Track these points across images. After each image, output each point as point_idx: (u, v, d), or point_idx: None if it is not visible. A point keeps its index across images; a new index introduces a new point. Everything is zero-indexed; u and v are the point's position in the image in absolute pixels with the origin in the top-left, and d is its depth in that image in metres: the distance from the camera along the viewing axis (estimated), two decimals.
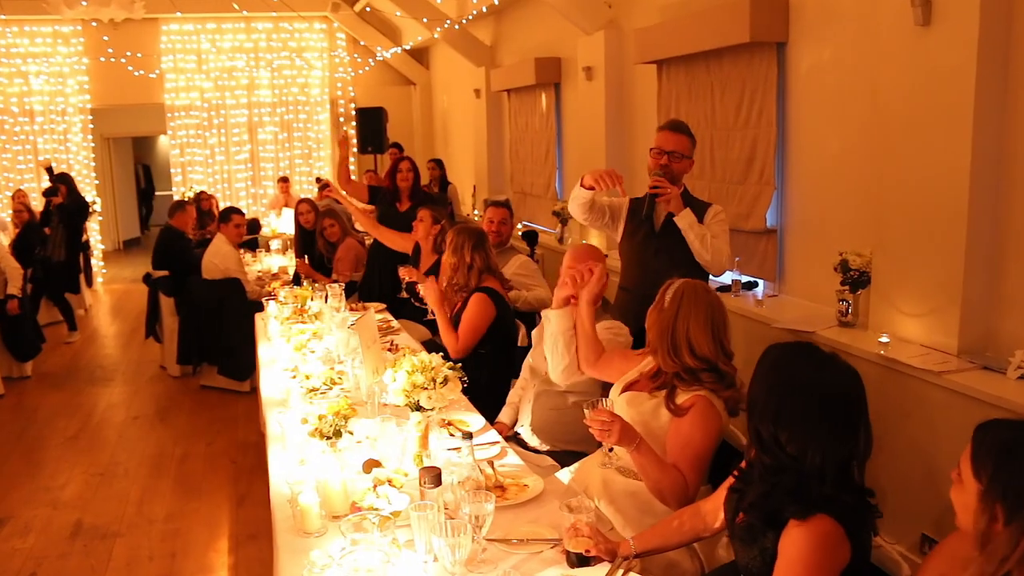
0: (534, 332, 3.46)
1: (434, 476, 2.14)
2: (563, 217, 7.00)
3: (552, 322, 3.08)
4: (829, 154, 4.16)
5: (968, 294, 3.23)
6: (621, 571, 2.03)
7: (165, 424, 5.73)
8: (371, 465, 2.36)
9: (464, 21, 8.67)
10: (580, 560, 2.06)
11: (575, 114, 7.15)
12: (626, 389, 2.71)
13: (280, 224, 8.56)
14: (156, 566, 3.83)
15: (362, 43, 11.97)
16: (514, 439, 3.30)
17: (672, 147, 3.65)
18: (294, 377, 3.37)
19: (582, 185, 3.61)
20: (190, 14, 9.99)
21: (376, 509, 2.03)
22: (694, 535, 2.21)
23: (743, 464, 2.08)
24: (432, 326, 5.04)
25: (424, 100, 12.61)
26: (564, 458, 3.12)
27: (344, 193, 5.88)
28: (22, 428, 5.72)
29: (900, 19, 3.35)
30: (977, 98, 3.09)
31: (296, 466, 2.79)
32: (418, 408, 2.69)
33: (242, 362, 6.24)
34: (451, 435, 3.01)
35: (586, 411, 2.45)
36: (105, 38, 10.28)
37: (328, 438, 2.66)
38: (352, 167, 12.41)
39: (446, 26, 8.81)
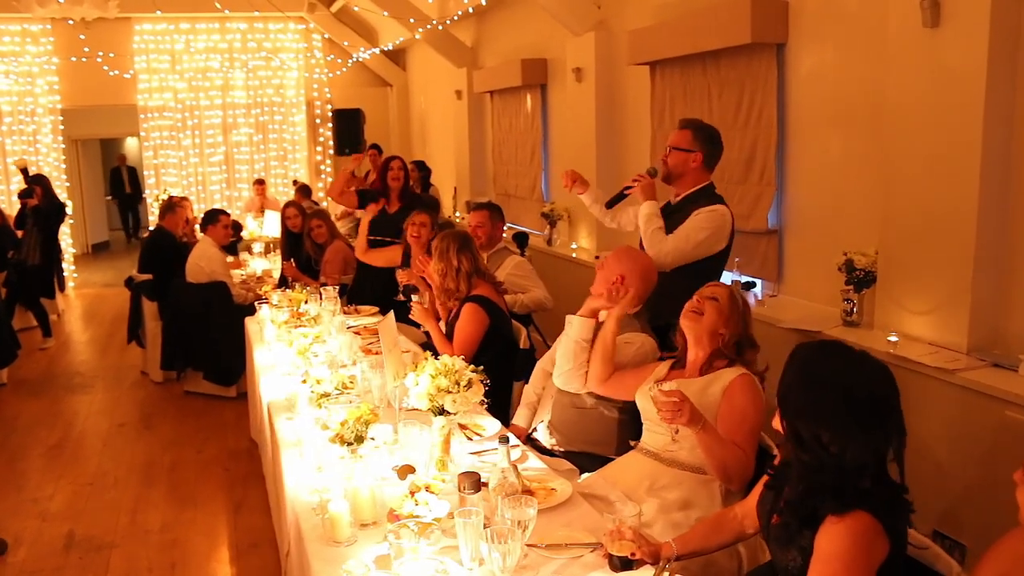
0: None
1: (474, 482, 2.10)
2: (552, 219, 6.98)
3: (573, 327, 3.04)
4: (830, 155, 4.19)
5: (977, 293, 3.26)
6: (667, 574, 2.00)
7: (151, 431, 5.60)
8: (406, 471, 2.31)
9: (448, 22, 8.62)
10: (624, 564, 2.04)
11: (563, 115, 7.13)
12: (664, 380, 2.76)
13: (263, 227, 8.42)
14: None
15: (345, 44, 11.84)
16: (528, 441, 3.27)
17: (673, 142, 3.61)
18: (304, 382, 3.30)
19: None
20: (165, 13, 9.79)
21: (418, 517, 1.98)
22: (734, 537, 2.20)
23: (776, 462, 2.07)
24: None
25: (401, 101, 12.53)
26: (581, 460, 3.09)
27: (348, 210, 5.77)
28: (3, 437, 5.56)
29: (908, 21, 3.38)
30: (987, 98, 3.12)
31: (314, 473, 2.74)
32: (441, 412, 2.65)
33: (228, 367, 6.13)
34: (468, 439, 2.98)
35: (653, 393, 2.51)
36: (82, 36, 10.06)
37: (349, 444, 2.60)
38: (325, 167, 12.35)
39: (428, 27, 8.75)
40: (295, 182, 11.16)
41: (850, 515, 1.73)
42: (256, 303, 5.06)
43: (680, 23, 5.00)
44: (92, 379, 6.90)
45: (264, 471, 4.64)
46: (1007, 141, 3.17)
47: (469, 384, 2.63)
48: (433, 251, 4.03)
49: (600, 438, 3.14)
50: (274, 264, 7.29)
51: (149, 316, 6.74)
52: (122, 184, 16.02)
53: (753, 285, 4.75)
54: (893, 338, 3.49)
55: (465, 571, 1.94)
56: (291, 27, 11.82)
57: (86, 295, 10.73)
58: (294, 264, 6.30)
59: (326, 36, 12.02)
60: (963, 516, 3.19)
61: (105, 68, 10.65)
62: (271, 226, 8.04)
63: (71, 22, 9.10)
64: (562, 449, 3.21)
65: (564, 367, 3.08)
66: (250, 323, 5.15)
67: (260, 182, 10.74)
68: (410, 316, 4.20)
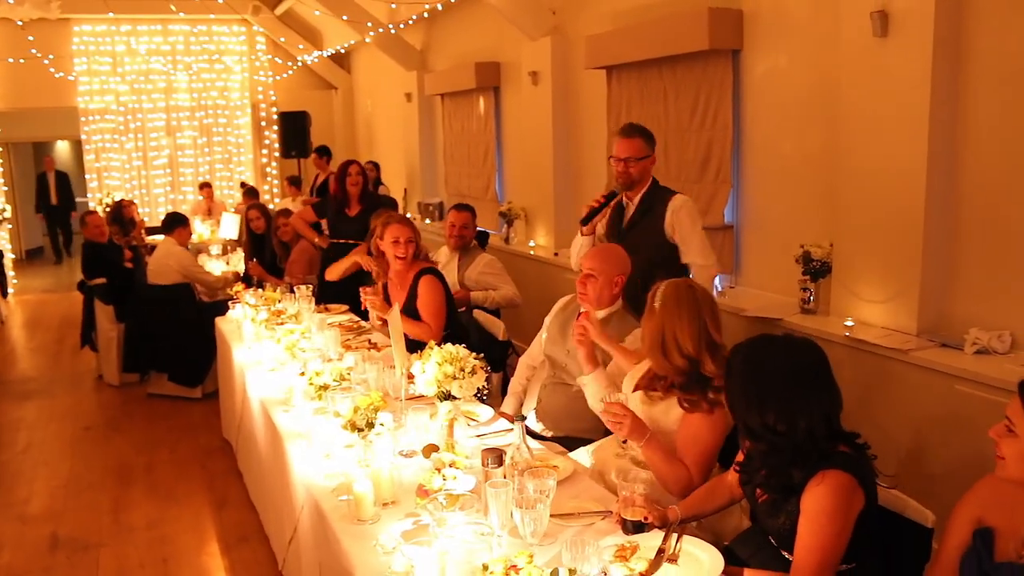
0: (548, 322, 3.59)
1: (497, 457, 2.27)
2: (509, 218, 7.17)
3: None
4: (783, 154, 4.48)
5: (925, 280, 3.58)
6: (676, 535, 2.21)
7: (120, 434, 5.60)
8: (430, 450, 2.46)
9: (403, 26, 8.74)
10: (636, 527, 2.23)
11: (518, 117, 7.33)
12: (637, 387, 2.84)
13: (219, 229, 8.40)
14: (149, 573, 3.79)
15: (299, 46, 11.81)
16: None
17: (627, 153, 3.78)
18: (302, 375, 3.42)
19: (583, 233, 3.87)
20: (117, 15, 9.64)
21: (450, 490, 2.15)
22: (726, 501, 2.42)
23: (739, 457, 2.28)
24: None
25: (346, 104, 12.56)
26: (570, 444, 3.28)
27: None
28: None
29: (859, 30, 3.67)
30: (932, 102, 3.43)
31: (323, 460, 2.87)
32: (447, 397, 2.82)
33: (195, 368, 6.15)
34: (468, 424, 3.14)
35: (601, 403, 2.58)
36: (31, 38, 9.81)
37: (360, 430, 2.74)
38: (272, 170, 12.31)
39: (381, 31, 8.85)
40: (243, 184, 11.11)
41: (826, 475, 1.95)
42: (230, 303, 5.12)
43: (638, 29, 5.25)
44: (48, 385, 6.82)
45: (242, 467, 4.72)
46: (950, 143, 3.48)
47: (473, 371, 2.80)
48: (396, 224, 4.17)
49: (589, 424, 3.33)
50: (233, 266, 7.31)
51: (104, 319, 6.68)
52: (48, 194, 13.78)
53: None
54: (849, 323, 3.78)
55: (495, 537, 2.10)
56: (234, 29, 11.75)
57: (27, 301, 10.48)
58: (256, 263, 6.36)
59: (281, 40, 11.96)
60: (919, 482, 3.50)
61: (52, 70, 10.42)
62: (228, 228, 8.04)
63: (20, 23, 8.88)
64: (551, 434, 3.40)
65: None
66: (222, 323, 5.20)
67: (207, 185, 10.66)
68: (364, 308, 4.37)
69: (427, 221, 9.19)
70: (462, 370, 2.78)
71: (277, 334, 4.10)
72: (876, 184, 3.71)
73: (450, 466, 2.26)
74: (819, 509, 1.94)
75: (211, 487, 4.68)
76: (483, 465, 2.27)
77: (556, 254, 6.45)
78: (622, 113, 5.74)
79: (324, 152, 9.89)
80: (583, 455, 3.05)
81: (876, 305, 3.79)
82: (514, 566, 1.81)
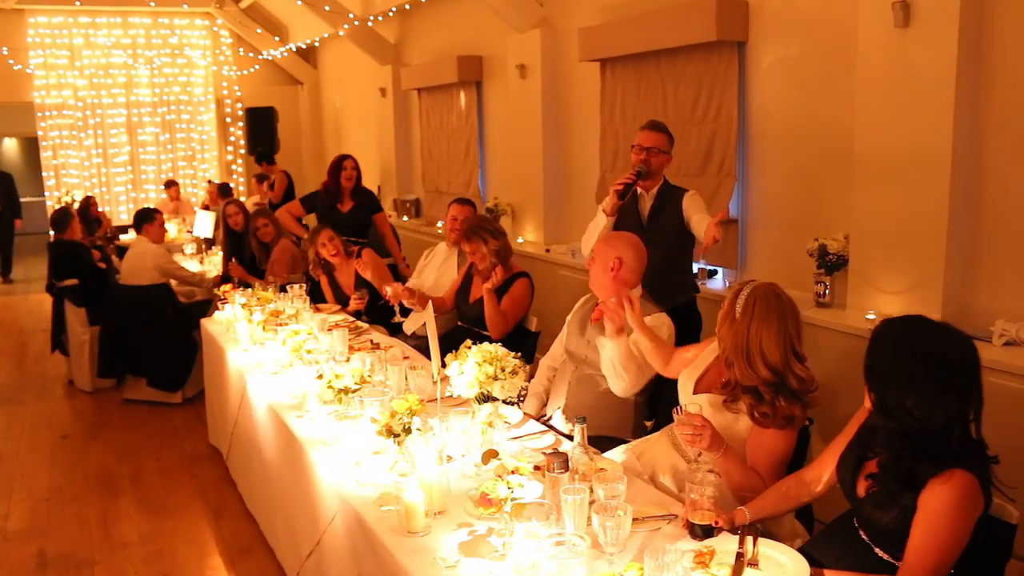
0: (569, 319, 3.48)
1: (563, 461, 2.15)
2: (496, 214, 7.04)
3: (607, 349, 3.00)
4: (792, 147, 4.43)
5: (949, 274, 3.54)
6: (750, 538, 2.11)
7: (99, 442, 5.33)
8: (490, 456, 2.33)
9: (380, 19, 8.55)
10: (705, 532, 2.14)
11: (503, 112, 7.20)
12: (697, 387, 2.73)
13: (194, 228, 8.12)
14: None
15: (259, 35, 11.51)
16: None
17: (651, 144, 3.84)
18: (320, 377, 3.25)
19: (607, 212, 3.77)
20: (77, 6, 9.26)
21: (518, 499, 2.02)
22: (798, 502, 2.33)
23: (855, 429, 2.20)
24: (396, 328, 4.99)
25: (312, 100, 12.30)
26: (600, 443, 3.16)
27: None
28: None
29: (879, 21, 3.62)
30: (957, 89, 3.40)
31: (352, 467, 2.72)
32: (487, 399, 2.69)
33: (176, 372, 5.91)
34: (506, 425, 3.00)
35: (675, 416, 2.42)
36: None
37: (396, 436, 2.60)
38: (237, 167, 11.99)
39: (356, 24, 8.65)
40: (209, 183, 10.79)
41: (953, 475, 1.87)
42: (218, 303, 4.91)
43: (637, 21, 5.16)
44: (16, 391, 6.50)
45: (235, 475, 4.52)
46: (975, 131, 3.46)
47: (514, 371, 2.68)
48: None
49: (617, 422, 3.24)
50: (209, 266, 7.06)
51: (76, 323, 6.39)
52: None
53: (714, 273, 4.96)
54: (871, 316, 3.74)
55: (571, 548, 1.98)
56: (197, 23, 11.41)
57: None
58: (236, 263, 6.14)
59: (254, 34, 11.63)
60: None
61: (11, 62, 9.96)
62: (202, 226, 7.77)
63: None
64: None
65: (618, 385, 3.05)
66: (209, 324, 4.99)
67: (173, 184, 10.33)
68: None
69: (404, 218, 9.02)
70: (503, 370, 2.65)
71: (281, 335, 3.91)
72: (897, 174, 3.66)
73: (513, 473, 2.13)
74: (940, 509, 1.86)
75: (204, 496, 4.47)
76: (548, 470, 2.15)
77: (548, 250, 6.35)
78: (616, 106, 5.66)
79: (264, 158, 9.70)
80: (616, 456, 2.93)
81: (897, 297, 3.75)
82: None
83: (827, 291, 4.07)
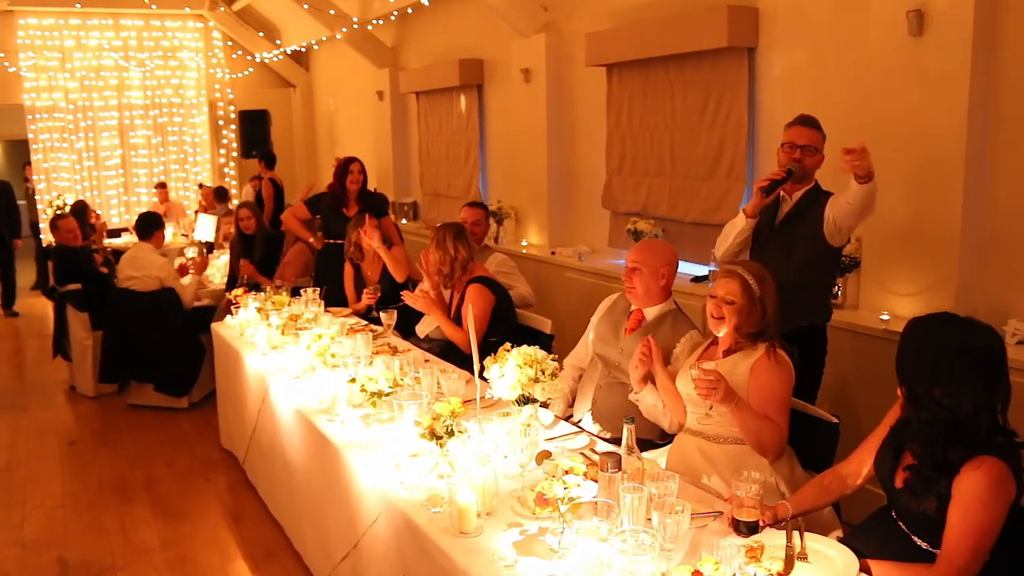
0: (595, 322, 3.52)
1: (616, 461, 2.20)
2: (500, 217, 7.07)
3: (643, 401, 3.12)
4: None
5: (963, 273, 3.63)
6: (797, 532, 2.17)
7: (109, 448, 5.32)
8: (543, 456, 2.37)
9: (380, 22, 8.56)
10: (750, 528, 2.19)
11: (505, 115, 7.25)
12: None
13: (195, 231, 8.10)
14: None
15: (253, 38, 11.47)
16: None
17: (805, 141, 3.39)
18: (353, 381, 3.27)
19: (748, 213, 3.39)
20: (45, 7, 9.18)
21: (576, 498, 2.06)
22: (838, 495, 2.41)
23: (890, 425, 2.28)
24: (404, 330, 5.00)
25: (305, 103, 12.29)
26: None
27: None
28: None
29: (892, 29, 3.70)
30: (971, 95, 3.49)
31: (393, 471, 2.75)
32: (527, 401, 2.73)
33: (183, 377, 5.90)
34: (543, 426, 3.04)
35: (693, 372, 2.67)
36: None
37: (439, 438, 2.63)
38: (230, 170, 11.95)
39: (355, 27, 8.66)
40: (200, 186, 10.75)
41: (984, 460, 1.95)
42: (232, 308, 4.91)
43: (645, 27, 5.22)
44: (19, 397, 6.45)
45: (253, 479, 4.53)
46: (988, 136, 3.55)
47: (553, 373, 2.72)
48: (431, 242, 4.14)
49: (645, 424, 3.28)
50: (213, 270, 7.04)
51: (78, 327, 6.36)
52: None
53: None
54: (885, 316, 3.82)
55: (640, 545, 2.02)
56: (190, 25, 11.36)
57: None
58: (248, 263, 6.15)
59: (247, 37, 11.59)
60: None
61: (6, 64, 9.87)
62: (203, 230, 7.75)
63: None
64: (609, 435, 3.33)
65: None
66: (221, 329, 4.98)
67: (162, 186, 10.28)
68: (409, 303, 4.27)
69: (403, 221, 9.04)
70: (543, 372, 2.70)
71: (304, 339, 3.93)
72: (910, 179, 3.75)
73: (567, 473, 2.18)
74: (974, 494, 1.93)
75: (221, 501, 4.48)
76: (602, 470, 2.20)
77: (553, 252, 6.39)
78: (623, 111, 5.72)
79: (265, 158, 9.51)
80: (656, 455, 2.99)
81: (910, 298, 3.83)
82: (697, 571, 1.75)
83: (839, 292, 4.14)
